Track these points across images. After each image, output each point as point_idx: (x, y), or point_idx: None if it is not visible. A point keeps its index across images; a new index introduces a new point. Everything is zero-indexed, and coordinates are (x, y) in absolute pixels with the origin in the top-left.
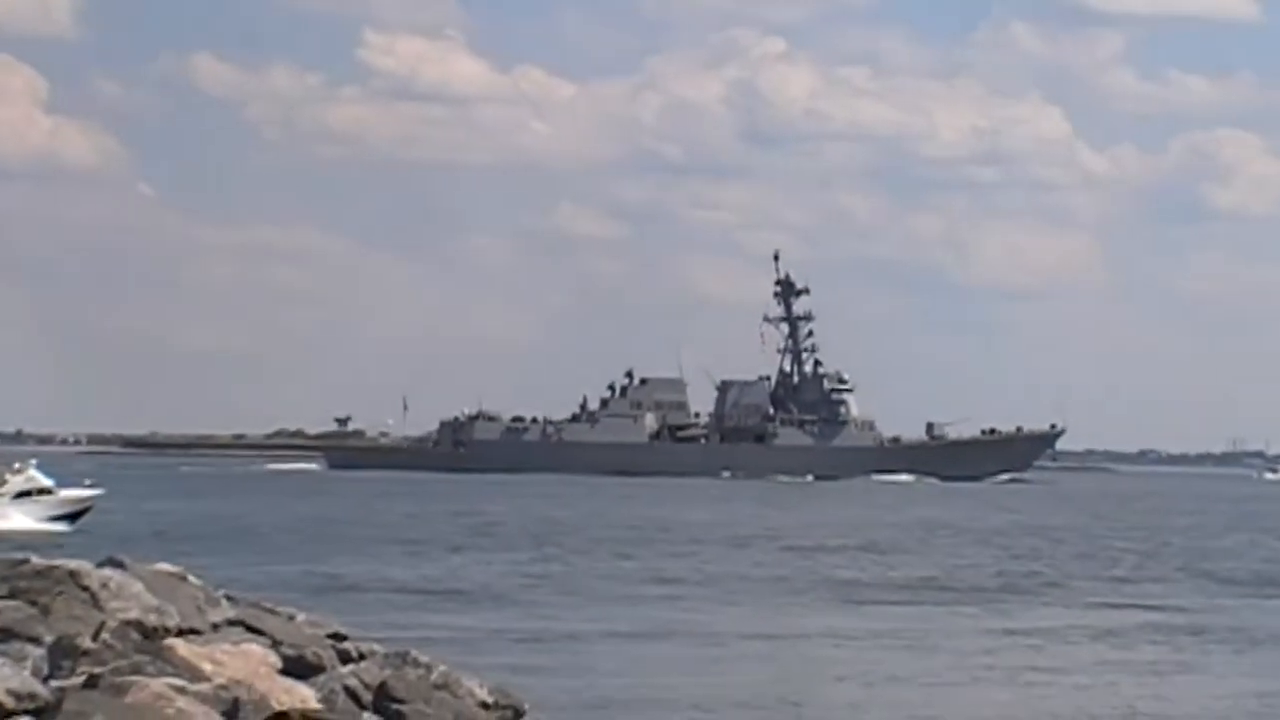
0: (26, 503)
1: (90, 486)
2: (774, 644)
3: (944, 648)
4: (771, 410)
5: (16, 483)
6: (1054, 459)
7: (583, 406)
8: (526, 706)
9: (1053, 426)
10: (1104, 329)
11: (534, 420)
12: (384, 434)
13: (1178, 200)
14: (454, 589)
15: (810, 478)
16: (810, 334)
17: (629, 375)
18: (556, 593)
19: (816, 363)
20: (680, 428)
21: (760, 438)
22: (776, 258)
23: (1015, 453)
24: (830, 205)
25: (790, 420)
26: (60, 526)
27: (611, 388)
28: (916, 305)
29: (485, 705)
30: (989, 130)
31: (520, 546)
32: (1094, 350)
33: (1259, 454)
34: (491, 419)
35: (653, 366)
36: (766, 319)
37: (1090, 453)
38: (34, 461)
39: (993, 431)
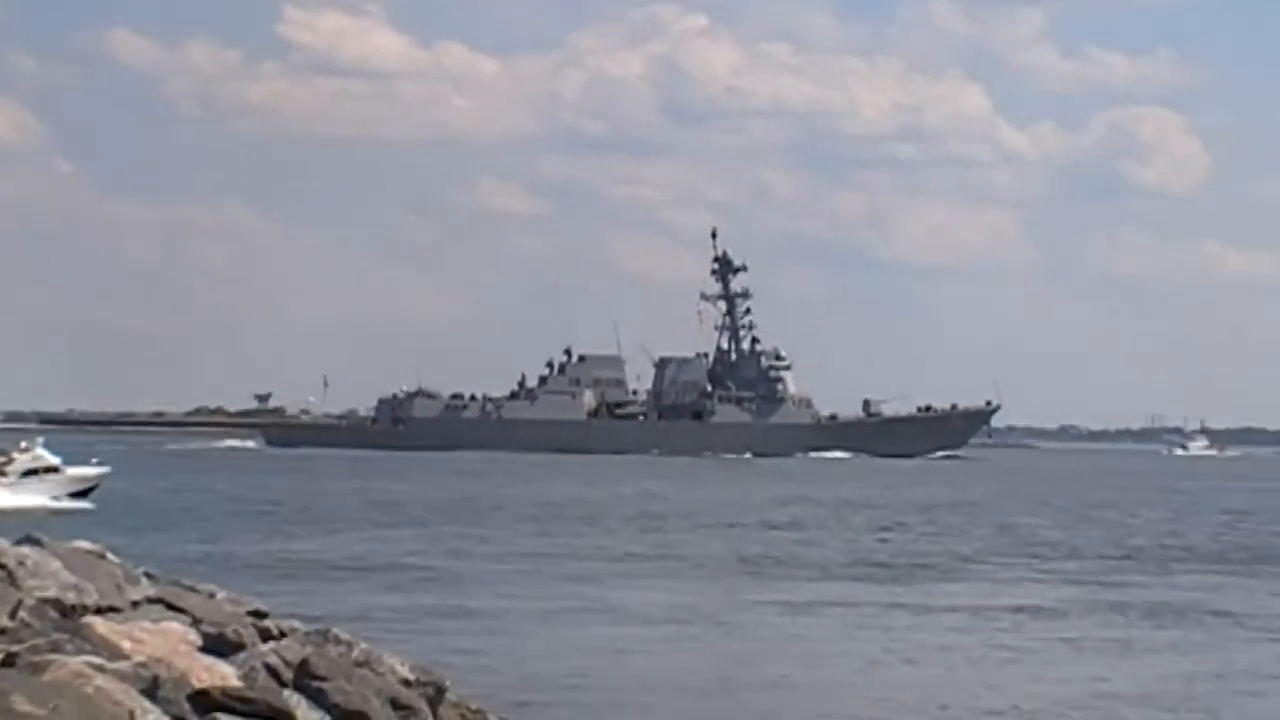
0: (34, 481)
1: (96, 464)
2: (692, 623)
3: (868, 625)
4: (709, 388)
5: (23, 461)
6: (989, 435)
7: (521, 384)
8: (448, 684)
9: (988, 403)
10: (1026, 306)
11: (472, 398)
12: (305, 411)
13: (1098, 178)
14: (369, 566)
15: (748, 455)
16: (748, 311)
17: (567, 353)
18: (469, 570)
19: (754, 340)
20: (618, 405)
21: (698, 415)
22: (714, 235)
23: (951, 430)
24: (753, 182)
25: (728, 398)
26: (79, 504)
27: (550, 365)
28: (840, 282)
29: (407, 683)
30: (911, 107)
31: (436, 523)
32: (1016, 327)
33: (1177, 430)
34: (430, 396)
35: (587, 342)
36: (704, 296)
37: (1011, 429)
38: (40, 440)
39: (929, 409)
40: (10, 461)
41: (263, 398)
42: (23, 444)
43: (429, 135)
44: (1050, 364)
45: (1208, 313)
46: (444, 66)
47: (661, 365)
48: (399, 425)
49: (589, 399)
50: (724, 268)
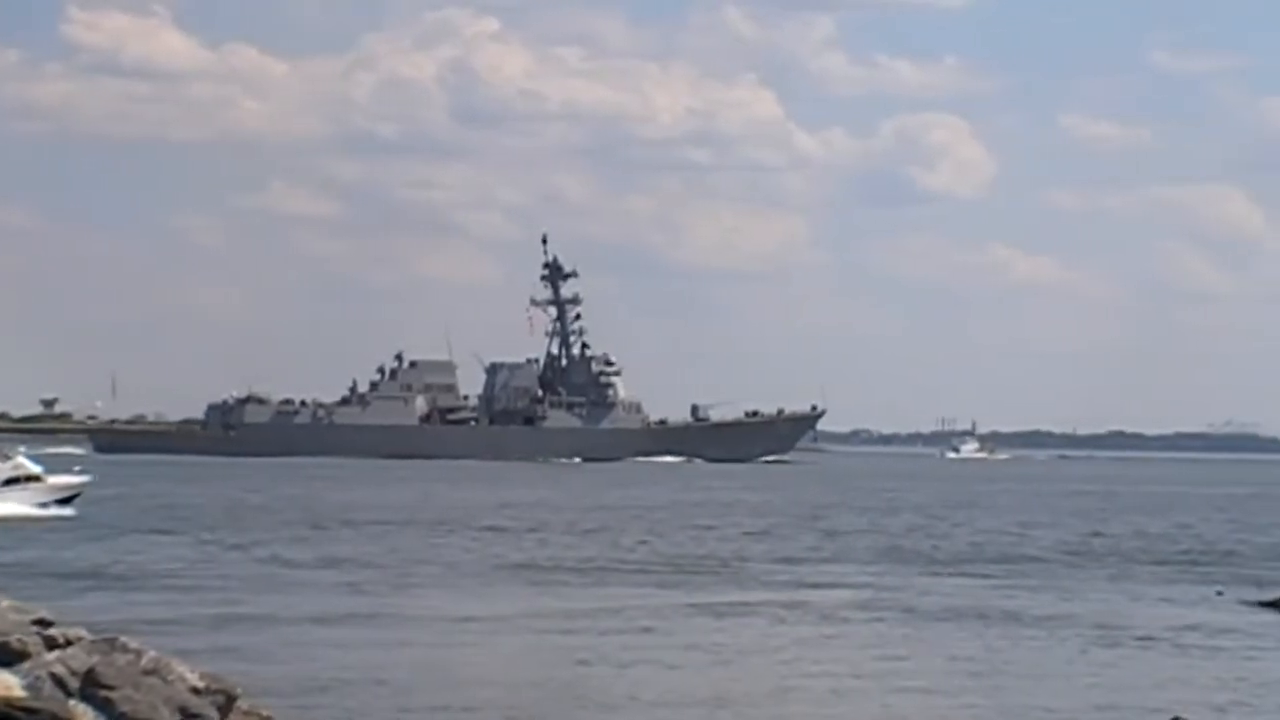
0: (16, 489)
1: (79, 473)
2: (470, 626)
3: (634, 627)
4: (540, 393)
5: (4, 470)
6: (815, 440)
7: (352, 389)
8: (239, 691)
9: (814, 408)
10: (816, 310)
11: (303, 403)
12: (92, 416)
13: (887, 183)
14: (158, 573)
15: (579, 460)
16: (578, 317)
17: (398, 358)
18: (257, 578)
19: (584, 345)
20: (450, 410)
21: (530, 420)
22: (544, 241)
23: (777, 434)
24: (546, 185)
25: (559, 403)
26: (63, 511)
27: (381, 370)
28: (631, 287)
29: (197, 690)
30: (703, 112)
31: (225, 529)
32: (806, 332)
33: (967, 433)
34: (261, 402)
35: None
36: (534, 302)
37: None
38: (22, 449)
39: (755, 414)
40: None
41: (48, 402)
42: (4, 452)
43: (219, 137)
44: (841, 368)
45: (995, 316)
46: (233, 68)
47: (493, 371)
48: (230, 431)
49: (421, 404)
50: (554, 273)
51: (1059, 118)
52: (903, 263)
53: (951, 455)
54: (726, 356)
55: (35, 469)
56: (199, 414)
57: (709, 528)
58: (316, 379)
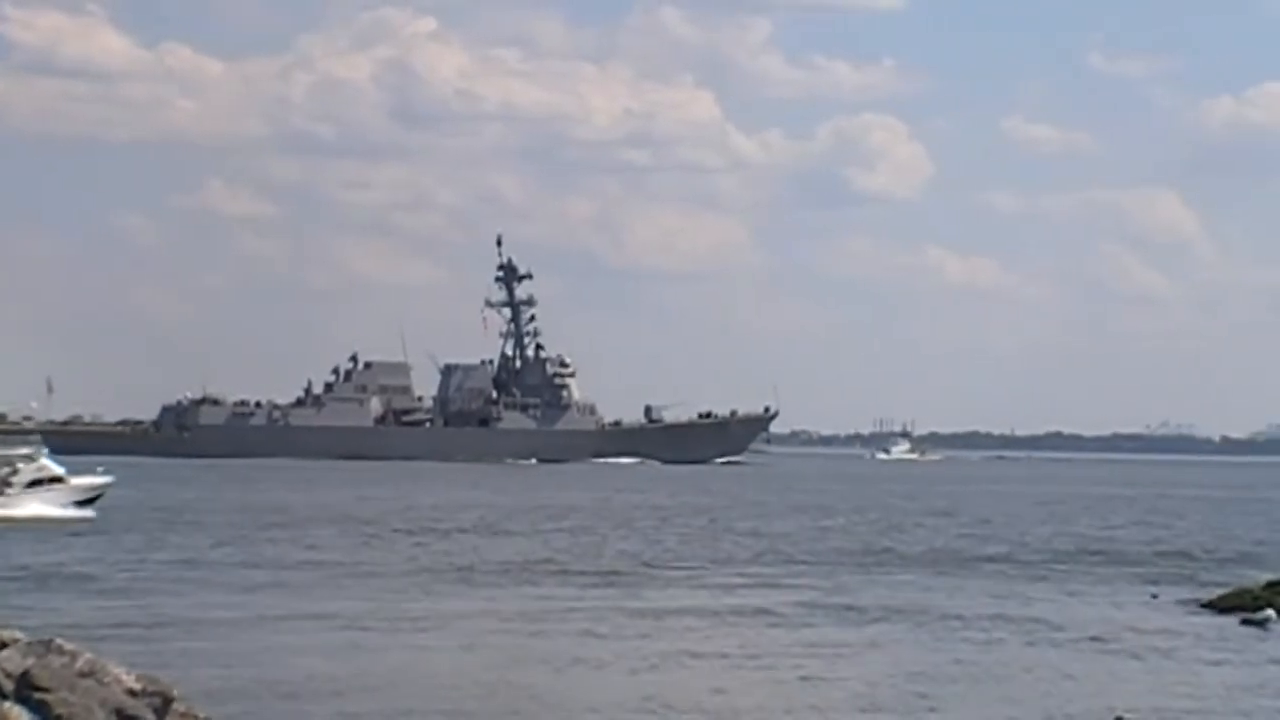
0: (40, 491)
1: (101, 474)
2: (399, 629)
3: (567, 630)
4: (495, 394)
5: (28, 472)
6: (768, 441)
7: (307, 390)
8: (175, 693)
9: (766, 410)
10: (754, 312)
11: (258, 404)
12: (28, 417)
13: (825, 184)
14: (77, 575)
15: (534, 461)
16: (533, 319)
17: (353, 359)
18: (187, 579)
19: (539, 347)
20: (405, 412)
21: (484, 421)
22: (499, 243)
23: (730, 436)
24: (484, 186)
25: (514, 404)
26: (84, 512)
27: (336, 372)
28: (572, 288)
29: (133, 692)
30: (641, 113)
31: (160, 532)
32: (749, 333)
33: (904, 434)
34: (216, 403)
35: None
36: (489, 303)
37: None
38: (45, 451)
39: (708, 415)
40: (15, 473)
41: None
42: (28, 454)
43: (154, 137)
44: (781, 369)
45: (934, 318)
46: (169, 68)
47: (447, 372)
48: (184, 433)
49: (376, 406)
50: (509, 275)
51: (997, 120)
52: (841, 264)
53: (882, 456)
54: (668, 357)
55: (59, 470)
56: (137, 415)
57: (646, 529)
58: (254, 380)
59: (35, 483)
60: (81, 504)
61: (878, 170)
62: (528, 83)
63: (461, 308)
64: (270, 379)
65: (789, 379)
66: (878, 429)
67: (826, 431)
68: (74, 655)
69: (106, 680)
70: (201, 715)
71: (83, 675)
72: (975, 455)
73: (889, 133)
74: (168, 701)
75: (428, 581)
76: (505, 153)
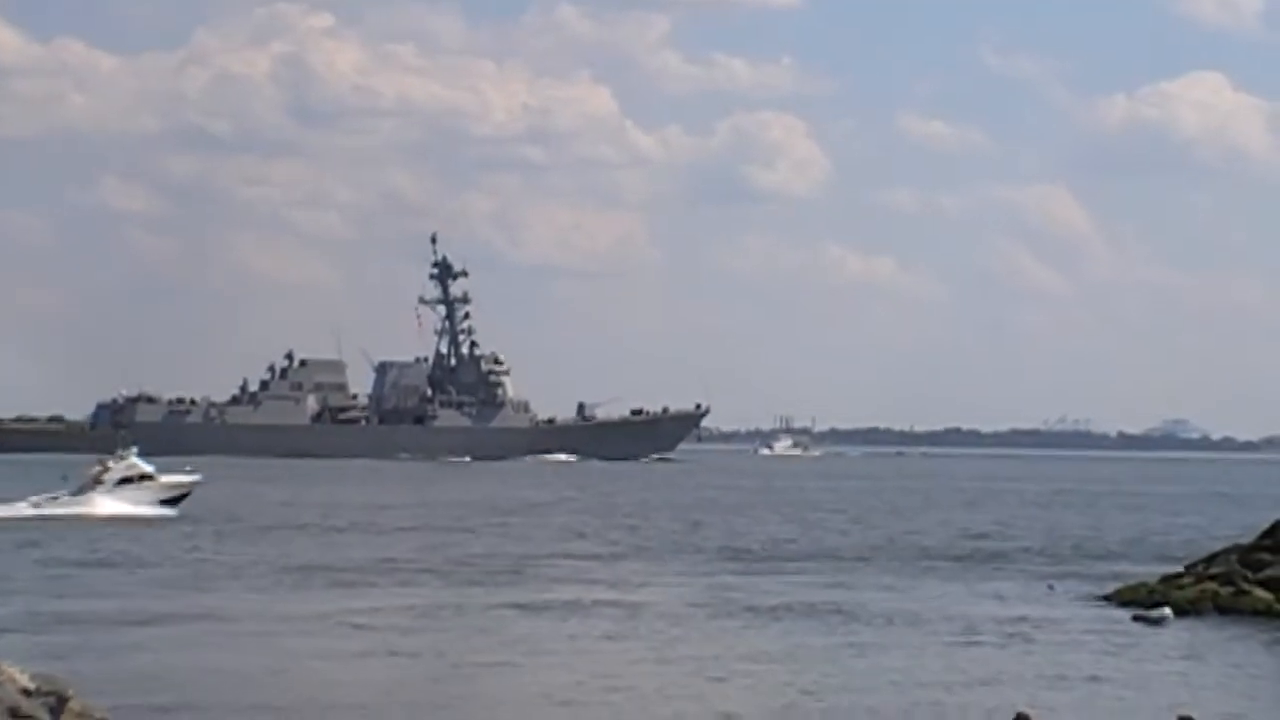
0: (129, 489)
1: (189, 472)
2: (279, 627)
3: (458, 626)
4: (430, 392)
5: (118, 470)
6: (699, 439)
7: (243, 388)
8: (71, 692)
9: (698, 406)
10: (652, 308)
11: (194, 402)
12: None
13: (723, 181)
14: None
15: (469, 459)
16: (467, 316)
17: (289, 357)
18: (76, 577)
19: (473, 345)
20: (341, 410)
21: (420, 419)
22: (434, 240)
23: (662, 433)
24: (382, 183)
25: (449, 402)
26: (167, 511)
27: (272, 369)
28: (469, 285)
29: (27, 692)
30: (539, 109)
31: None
32: (644, 329)
33: (805, 431)
34: (152, 400)
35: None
36: (423, 301)
37: None
38: (134, 449)
39: (640, 412)
40: (106, 470)
41: None
42: (119, 453)
43: (48, 132)
44: (682, 365)
45: (831, 315)
46: (62, 63)
47: (382, 370)
48: (121, 430)
49: (312, 404)
50: (444, 273)
51: (893, 118)
52: (740, 261)
53: (765, 452)
54: (578, 355)
55: (148, 468)
56: (38, 413)
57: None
58: (152, 378)
59: (125, 480)
60: (167, 503)
61: (776, 168)
62: (425, 79)
63: (359, 307)
64: (170, 377)
65: (693, 376)
66: (778, 426)
67: (728, 428)
68: None
69: (0, 680)
70: (98, 714)
71: None
72: (854, 451)
73: (787, 130)
74: (63, 700)
75: (317, 579)
76: (402, 150)
